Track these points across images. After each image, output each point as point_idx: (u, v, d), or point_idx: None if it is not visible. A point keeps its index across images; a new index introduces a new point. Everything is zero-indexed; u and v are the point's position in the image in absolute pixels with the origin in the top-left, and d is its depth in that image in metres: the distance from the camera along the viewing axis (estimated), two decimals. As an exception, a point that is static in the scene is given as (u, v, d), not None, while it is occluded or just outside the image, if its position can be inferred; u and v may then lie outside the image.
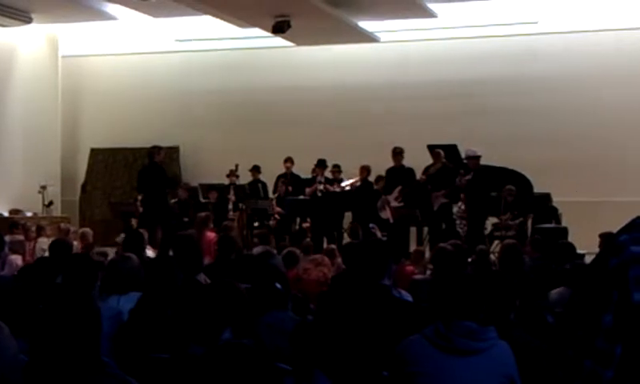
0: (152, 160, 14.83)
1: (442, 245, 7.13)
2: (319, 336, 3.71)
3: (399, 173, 14.09)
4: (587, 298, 1.85)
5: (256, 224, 14.36)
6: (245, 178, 15.11)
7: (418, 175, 13.94)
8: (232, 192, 14.86)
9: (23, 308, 4.05)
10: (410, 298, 5.30)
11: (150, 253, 9.23)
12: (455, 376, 3.47)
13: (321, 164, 14.56)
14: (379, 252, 4.66)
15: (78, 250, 10.64)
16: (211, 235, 10.80)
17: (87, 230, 12.24)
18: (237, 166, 14.86)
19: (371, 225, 12.66)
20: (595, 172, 14.74)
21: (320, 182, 14.42)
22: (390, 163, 14.10)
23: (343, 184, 14.44)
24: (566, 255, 7.51)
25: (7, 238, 9.79)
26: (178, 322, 4.17)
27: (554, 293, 6.02)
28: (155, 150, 14.87)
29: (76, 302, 3.27)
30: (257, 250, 8.73)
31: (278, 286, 4.86)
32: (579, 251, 8.70)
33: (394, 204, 13.87)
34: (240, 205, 14.83)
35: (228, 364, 2.51)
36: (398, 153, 14.05)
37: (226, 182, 15.14)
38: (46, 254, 8.34)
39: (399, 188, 13.97)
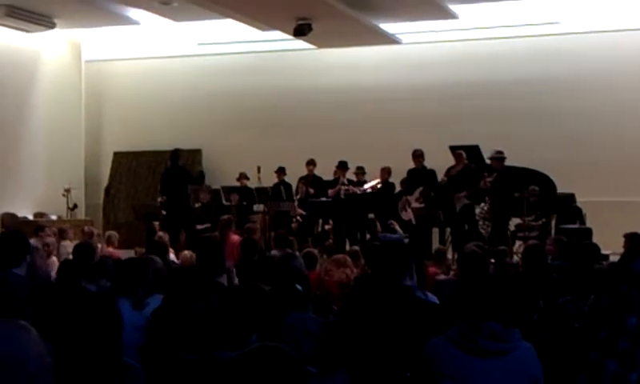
0: (175, 163, 14.94)
1: (469, 246, 7.10)
2: (343, 337, 3.71)
3: (420, 174, 14.07)
4: (611, 300, 1.84)
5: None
6: (268, 180, 15.16)
7: (440, 176, 13.91)
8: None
9: (50, 310, 4.08)
10: (435, 300, 5.28)
11: (172, 256, 9.30)
12: (479, 377, 3.46)
13: (342, 166, 14.56)
14: (399, 252, 4.65)
15: (105, 252, 10.74)
16: (235, 238, 10.86)
17: (113, 232, 12.32)
18: (259, 168, 14.92)
19: (389, 221, 12.64)
20: (620, 172, 14.63)
21: (343, 184, 14.41)
22: (412, 165, 14.10)
23: (364, 187, 14.43)
24: (591, 256, 7.45)
25: (32, 241, 9.90)
26: (201, 324, 4.19)
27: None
28: (177, 152, 15.00)
29: (98, 305, 3.30)
30: (274, 252, 8.77)
31: (299, 287, 4.88)
32: (604, 252, 8.63)
33: (415, 205, 13.85)
34: (263, 207, 14.89)
35: (258, 367, 2.53)
36: (418, 155, 14.06)
37: (238, 184, 15.27)
38: (70, 256, 8.39)
39: (420, 189, 13.96)
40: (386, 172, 14.37)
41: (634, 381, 1.79)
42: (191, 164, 17.06)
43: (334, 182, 14.68)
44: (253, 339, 3.56)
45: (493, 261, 8.25)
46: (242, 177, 15.38)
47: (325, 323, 4.09)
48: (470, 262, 6.65)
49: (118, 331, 3.23)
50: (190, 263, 8.53)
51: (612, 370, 1.79)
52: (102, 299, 3.45)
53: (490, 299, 3.56)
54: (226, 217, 12.08)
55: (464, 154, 13.82)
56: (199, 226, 14.06)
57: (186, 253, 9.38)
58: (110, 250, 11.18)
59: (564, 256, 8.19)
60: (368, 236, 12.58)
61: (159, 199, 14.93)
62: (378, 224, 11.95)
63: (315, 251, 8.49)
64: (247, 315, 3.63)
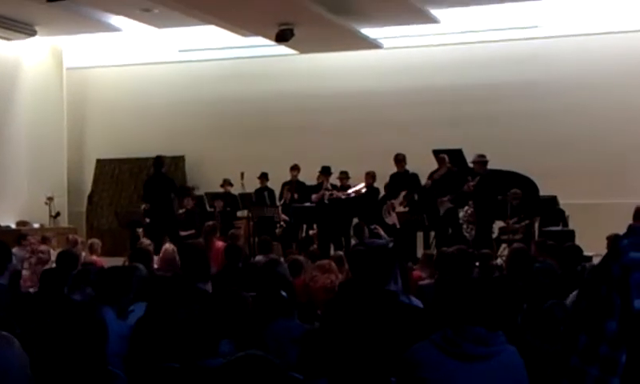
0: (158, 170, 14.90)
1: (444, 249, 7.13)
2: (326, 343, 3.71)
3: (403, 178, 14.12)
4: (590, 304, 1.83)
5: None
6: (251, 185, 15.16)
7: (423, 181, 13.94)
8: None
9: (33, 320, 4.06)
10: (420, 304, 5.29)
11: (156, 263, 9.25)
12: (464, 382, 3.46)
13: (325, 171, 14.56)
14: (383, 257, 4.65)
15: (88, 260, 10.68)
16: (220, 244, 10.83)
17: (96, 240, 12.25)
18: (242, 174, 14.92)
19: (373, 226, 12.64)
20: (602, 174, 14.71)
21: (327, 189, 14.41)
22: (395, 169, 14.14)
23: (348, 192, 14.43)
24: (574, 258, 7.48)
25: (14, 250, 9.85)
26: (183, 332, 4.17)
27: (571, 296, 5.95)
28: (160, 159, 14.96)
29: (81, 314, 3.28)
30: (259, 257, 8.76)
31: (284, 294, 4.87)
32: (587, 253, 8.67)
33: (400, 209, 13.88)
34: (247, 213, 14.88)
35: (242, 376, 2.52)
36: (400, 160, 14.15)
37: (222, 191, 15.26)
38: (53, 265, 8.34)
39: (404, 193, 13.99)
40: (370, 176, 14.39)
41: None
42: (174, 171, 17.02)
43: (317, 187, 14.69)
44: (224, 346, 3.55)
45: (477, 264, 8.27)
46: (226, 183, 15.41)
47: (308, 330, 4.08)
48: (447, 264, 6.70)
49: (102, 340, 3.21)
50: (171, 257, 8.48)
51: (594, 376, 1.79)
52: (85, 308, 3.43)
53: (474, 303, 3.56)
54: (210, 223, 12.05)
55: (447, 158, 13.88)
56: (183, 233, 14.02)
57: (168, 246, 9.28)
58: (94, 257, 11.12)
59: (547, 258, 8.22)
60: (355, 241, 12.57)
61: (142, 206, 14.88)
62: (366, 229, 11.95)
63: (301, 258, 8.47)
64: (221, 322, 3.62)
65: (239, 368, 2.56)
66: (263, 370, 2.53)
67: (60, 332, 3.18)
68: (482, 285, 3.74)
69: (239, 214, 15.32)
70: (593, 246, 10.10)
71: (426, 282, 6.74)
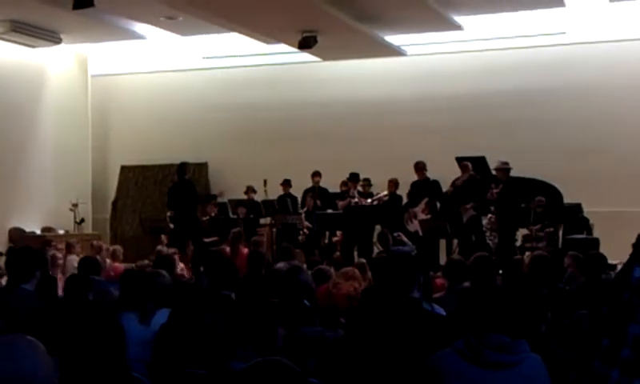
0: (182, 177, 14.97)
1: (452, 256, 7.12)
2: (349, 351, 3.71)
3: (424, 185, 14.12)
4: (613, 309, 1.84)
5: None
6: (274, 192, 15.19)
7: (446, 188, 13.91)
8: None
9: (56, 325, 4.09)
10: (442, 312, 5.28)
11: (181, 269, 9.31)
12: (487, 389, 3.45)
13: (353, 178, 14.53)
14: (406, 264, 4.65)
15: (110, 267, 10.76)
16: (245, 250, 10.86)
17: (118, 247, 12.35)
18: (265, 181, 14.94)
19: (396, 233, 12.63)
20: (627, 182, 14.59)
21: (354, 197, 14.39)
22: (416, 177, 14.15)
23: (370, 200, 14.41)
24: (598, 266, 7.43)
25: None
26: (208, 338, 4.19)
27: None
28: (184, 166, 15.04)
29: (101, 320, 3.31)
30: (279, 265, 8.77)
31: (307, 303, 4.88)
32: (611, 262, 8.61)
33: (422, 216, 13.85)
34: (270, 220, 14.91)
35: (261, 381, 2.53)
36: (420, 168, 14.15)
37: (245, 198, 15.30)
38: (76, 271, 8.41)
39: (425, 200, 13.97)
40: (393, 184, 14.38)
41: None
42: (197, 177, 17.10)
43: (340, 194, 14.69)
44: (246, 352, 3.57)
45: (500, 271, 8.23)
46: (250, 190, 15.43)
47: (331, 337, 4.09)
48: (456, 271, 6.73)
49: (121, 346, 3.23)
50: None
51: (615, 379, 1.79)
52: (104, 313, 3.46)
53: (498, 311, 3.55)
54: (236, 230, 12.09)
55: (470, 165, 13.83)
56: (207, 240, 14.08)
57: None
58: (116, 264, 11.20)
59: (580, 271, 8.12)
60: (379, 248, 12.55)
61: (168, 213, 14.96)
62: (390, 237, 11.94)
63: (328, 268, 8.47)
64: (244, 328, 3.63)
65: (259, 373, 2.57)
66: (283, 375, 2.54)
67: (82, 338, 3.20)
68: (505, 292, 3.72)
69: (262, 221, 15.35)
70: (617, 254, 10.01)
71: (438, 294, 6.72)
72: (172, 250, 11.14)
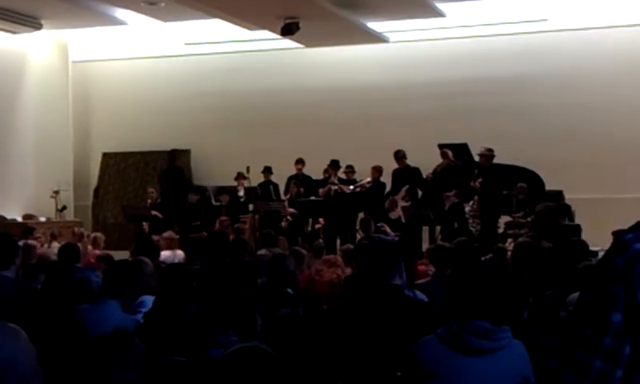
0: (173, 163, 14.99)
1: (438, 243, 7.15)
2: (332, 337, 3.71)
3: (405, 173, 14.17)
4: (595, 297, 1.84)
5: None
6: (255, 179, 15.15)
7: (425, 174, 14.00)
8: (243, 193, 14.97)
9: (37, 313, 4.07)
10: (424, 298, 5.28)
11: (165, 253, 9.26)
12: (469, 376, 3.46)
13: (334, 164, 14.55)
14: (388, 251, 4.64)
15: (91, 254, 10.70)
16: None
17: (99, 234, 12.28)
18: (248, 168, 14.89)
19: (380, 224, 12.65)
20: (608, 168, 14.67)
21: (334, 183, 14.40)
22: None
23: (352, 187, 14.42)
24: (579, 252, 7.47)
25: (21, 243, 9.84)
26: (192, 325, 4.18)
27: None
28: (175, 153, 15.06)
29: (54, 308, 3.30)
30: (262, 252, 8.77)
31: (290, 291, 4.88)
32: (592, 248, 8.66)
33: (403, 204, 13.89)
34: (252, 207, 14.86)
35: (243, 367, 2.53)
36: (400, 157, 14.23)
37: (236, 184, 15.21)
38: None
39: (406, 187, 14.02)
40: (376, 171, 14.39)
41: (619, 378, 1.80)
42: (179, 165, 17.03)
43: (323, 181, 14.69)
44: (229, 336, 3.57)
45: (485, 259, 8.26)
46: (240, 176, 15.17)
47: (311, 325, 4.09)
48: (442, 257, 6.76)
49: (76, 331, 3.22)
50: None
51: (597, 368, 1.80)
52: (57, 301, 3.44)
53: (480, 297, 3.56)
54: (224, 218, 12.11)
55: (450, 153, 13.87)
56: (193, 224, 14.01)
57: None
58: (96, 251, 11.13)
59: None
60: (362, 235, 12.57)
61: (149, 201, 14.90)
62: (373, 224, 11.95)
63: (303, 251, 8.47)
64: (228, 314, 3.64)
65: (237, 360, 2.57)
66: (260, 362, 2.54)
67: (62, 326, 3.20)
68: (487, 279, 3.73)
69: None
70: (599, 241, 10.08)
71: (422, 281, 6.73)
72: (168, 235, 10.99)
